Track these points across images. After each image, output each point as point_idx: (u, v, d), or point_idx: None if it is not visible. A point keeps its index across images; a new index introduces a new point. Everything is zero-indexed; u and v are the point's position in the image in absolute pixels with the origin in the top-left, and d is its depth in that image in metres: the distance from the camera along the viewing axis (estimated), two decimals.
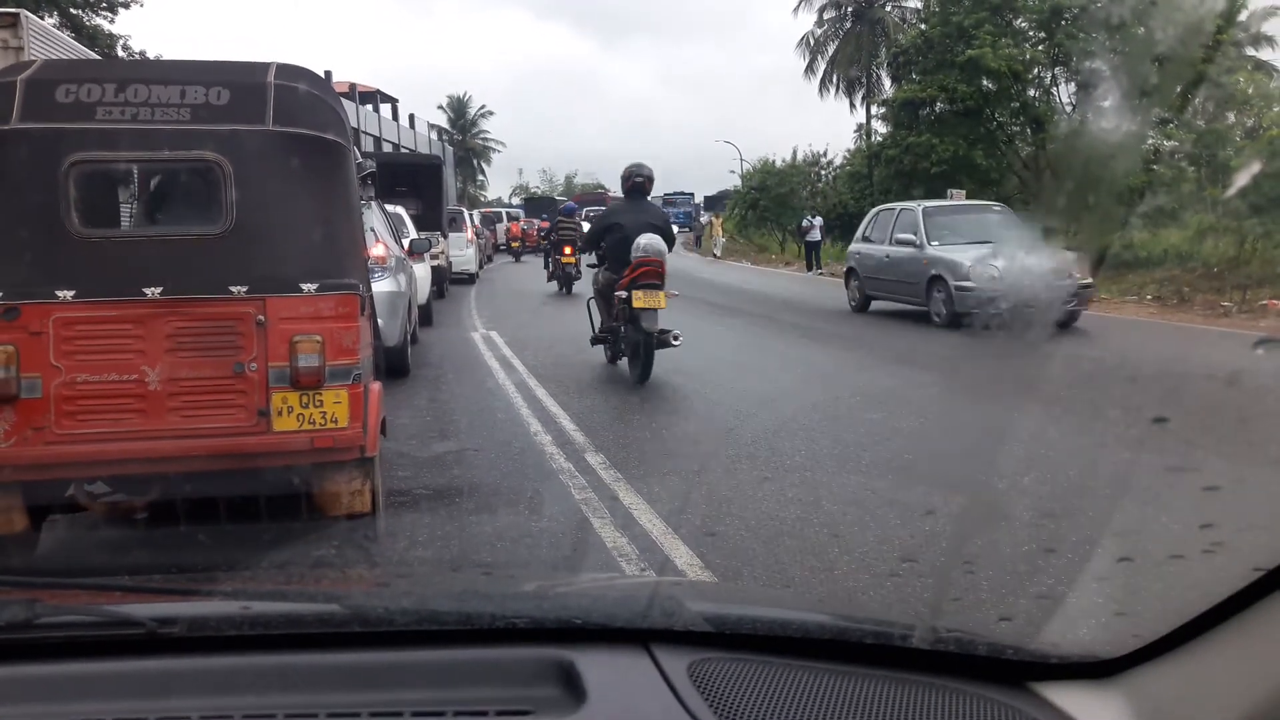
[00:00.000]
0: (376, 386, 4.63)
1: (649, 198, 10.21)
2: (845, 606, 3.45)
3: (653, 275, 8.99)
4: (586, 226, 15.84)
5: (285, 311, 4.02)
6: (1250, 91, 23.39)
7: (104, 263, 4.00)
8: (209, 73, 4.17)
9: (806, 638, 1.50)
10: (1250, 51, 26.76)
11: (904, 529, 4.90)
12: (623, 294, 9.04)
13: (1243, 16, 23.99)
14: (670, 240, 9.63)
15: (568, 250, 19.89)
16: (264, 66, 4.22)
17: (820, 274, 29.21)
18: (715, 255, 39.52)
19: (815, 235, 31.17)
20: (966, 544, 4.42)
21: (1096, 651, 1.33)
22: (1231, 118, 23.63)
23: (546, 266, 21.98)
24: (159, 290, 3.93)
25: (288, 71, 4.22)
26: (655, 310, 8.91)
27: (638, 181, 9.94)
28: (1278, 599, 1.09)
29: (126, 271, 3.96)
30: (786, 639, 1.49)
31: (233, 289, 3.97)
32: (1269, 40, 27.45)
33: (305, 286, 4.04)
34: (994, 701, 1.31)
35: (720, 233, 41.83)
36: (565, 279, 20.06)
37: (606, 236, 9.81)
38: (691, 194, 71.06)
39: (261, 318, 3.99)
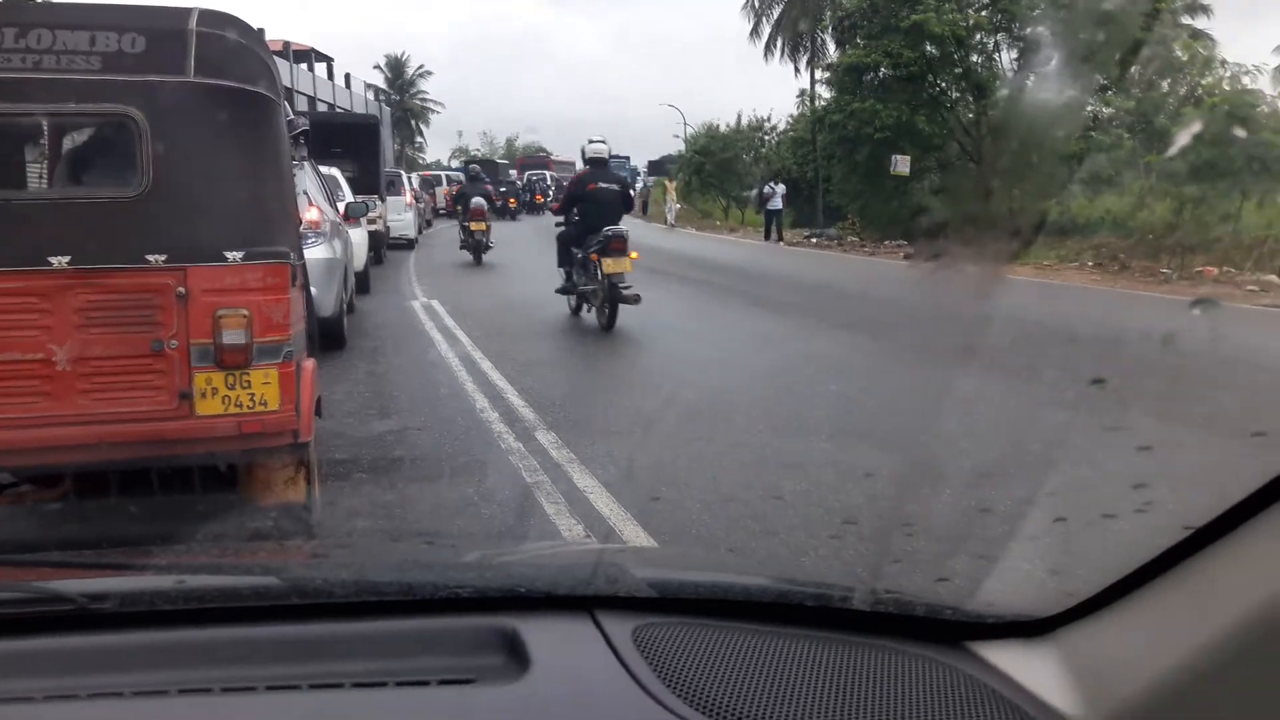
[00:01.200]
0: (310, 364, 4.30)
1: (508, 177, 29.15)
2: (787, 569, 3.49)
3: (478, 216, 19.28)
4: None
5: (208, 283, 3.68)
6: (1186, 59, 23.79)
7: (3, 228, 3.64)
8: (123, 17, 3.73)
9: (749, 601, 1.51)
10: (1186, 20, 27.20)
11: (844, 491, 4.96)
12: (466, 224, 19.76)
13: None
14: (489, 199, 20.76)
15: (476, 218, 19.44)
16: (185, 12, 3.78)
17: (781, 243, 28.45)
18: (669, 223, 37.10)
19: (777, 203, 30.06)
20: (905, 506, 4.49)
21: (1031, 610, 1.35)
22: (1166, 85, 24.03)
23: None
24: (66, 259, 3.57)
25: (212, 18, 3.80)
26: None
27: (474, 170, 22.33)
28: (1205, 557, 1.11)
29: (29, 238, 3.60)
30: (729, 602, 1.50)
31: (149, 258, 3.63)
32: (1204, 9, 27.90)
33: (230, 255, 3.69)
34: (932, 661, 1.32)
35: (675, 198, 39.22)
36: (476, 248, 19.58)
37: (463, 199, 20.35)
38: (626, 158, 65.56)
39: (182, 290, 3.65)
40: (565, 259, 11.46)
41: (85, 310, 3.61)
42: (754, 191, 42.81)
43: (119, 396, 3.67)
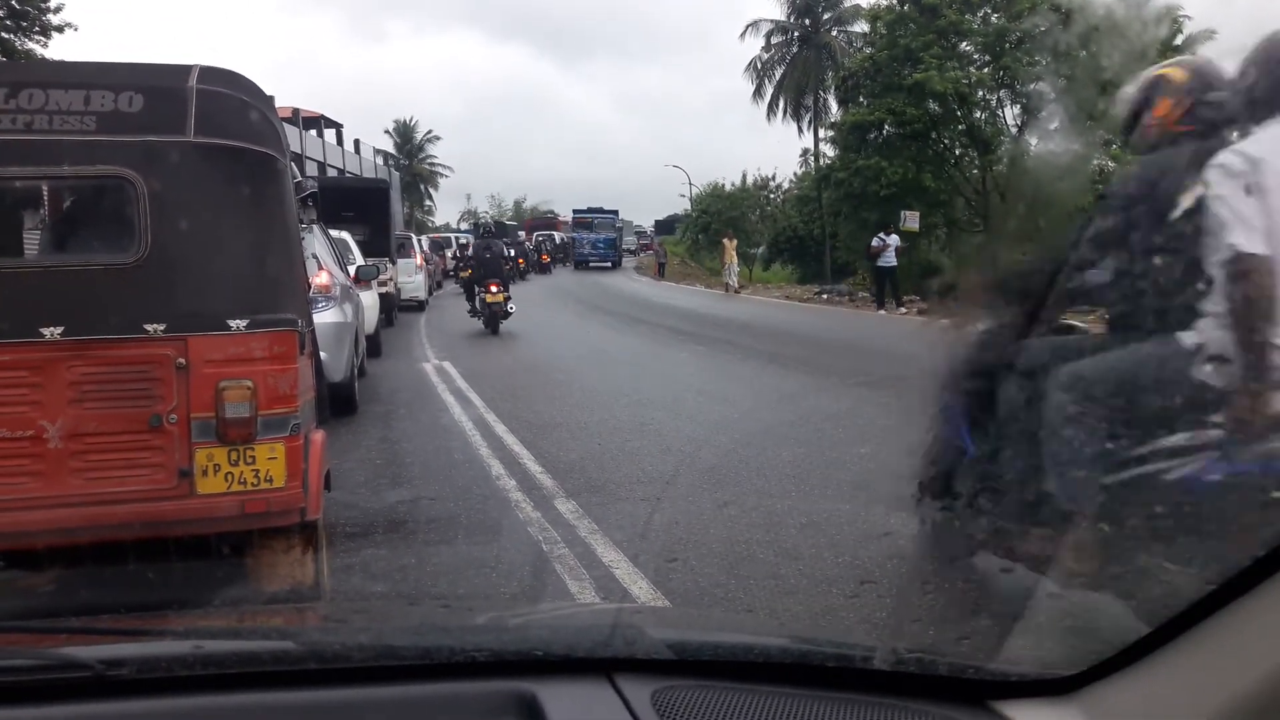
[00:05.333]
0: (318, 436, 4.07)
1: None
2: (807, 630, 3.46)
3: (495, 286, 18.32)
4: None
5: (210, 353, 3.48)
6: None
7: None
8: (120, 75, 3.55)
9: (769, 662, 1.50)
10: None
11: (862, 550, 4.92)
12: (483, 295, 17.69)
13: (1178, 40, 24.64)
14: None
15: (494, 287, 16.90)
16: (186, 69, 3.58)
17: (901, 310, 21.37)
18: (731, 287, 31.33)
19: (890, 258, 22.39)
20: (924, 563, 4.45)
21: (1055, 668, 1.34)
22: None
23: (470, 301, 18.16)
24: (59, 330, 3.38)
25: (213, 75, 3.60)
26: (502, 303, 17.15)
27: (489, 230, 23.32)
28: (1231, 611, 1.10)
29: (20, 308, 3.40)
30: (749, 664, 1.49)
31: (148, 327, 3.44)
32: None
33: (234, 323, 3.50)
34: None
35: (734, 258, 32.79)
36: (491, 316, 16.93)
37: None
38: (614, 213, 52.46)
39: (182, 361, 3.45)
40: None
41: (79, 384, 3.42)
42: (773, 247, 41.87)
43: (114, 475, 3.45)
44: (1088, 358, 3.37)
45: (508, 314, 16.77)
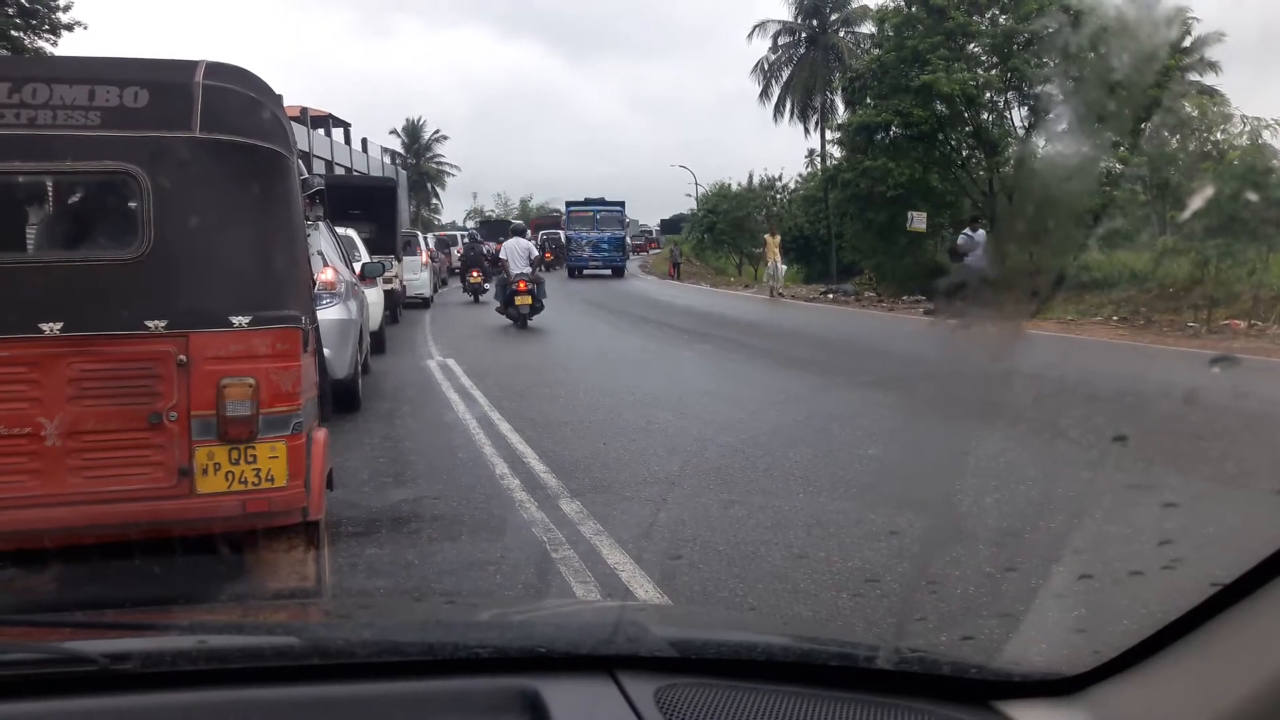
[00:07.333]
0: (321, 434, 4.01)
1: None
2: (810, 629, 3.45)
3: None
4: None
5: (212, 350, 3.44)
6: (1196, 115, 23.91)
7: None
8: (125, 71, 3.50)
9: (772, 661, 1.50)
10: (1195, 77, 27.41)
11: (868, 550, 4.92)
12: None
13: (1186, 42, 24.54)
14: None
15: (475, 273, 26.21)
16: (192, 65, 3.54)
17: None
18: (775, 291, 27.47)
19: (979, 257, 18.52)
20: (930, 564, 4.45)
21: (1059, 669, 1.34)
22: (1175, 141, 24.11)
23: (462, 283, 27.52)
24: (59, 326, 3.34)
25: (220, 71, 3.56)
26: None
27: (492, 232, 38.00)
28: (1235, 613, 1.10)
29: (19, 304, 3.36)
30: (752, 662, 1.49)
31: (149, 324, 3.40)
32: (1213, 66, 28.12)
33: (236, 320, 3.46)
34: None
35: (778, 257, 28.29)
36: (475, 291, 25.99)
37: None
38: (620, 205, 40.11)
39: (183, 358, 3.41)
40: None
41: (78, 380, 3.37)
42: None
43: (113, 474, 3.41)
44: (498, 277, 19.49)
45: (484, 290, 24.96)
